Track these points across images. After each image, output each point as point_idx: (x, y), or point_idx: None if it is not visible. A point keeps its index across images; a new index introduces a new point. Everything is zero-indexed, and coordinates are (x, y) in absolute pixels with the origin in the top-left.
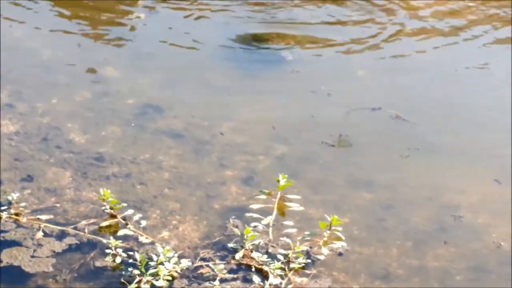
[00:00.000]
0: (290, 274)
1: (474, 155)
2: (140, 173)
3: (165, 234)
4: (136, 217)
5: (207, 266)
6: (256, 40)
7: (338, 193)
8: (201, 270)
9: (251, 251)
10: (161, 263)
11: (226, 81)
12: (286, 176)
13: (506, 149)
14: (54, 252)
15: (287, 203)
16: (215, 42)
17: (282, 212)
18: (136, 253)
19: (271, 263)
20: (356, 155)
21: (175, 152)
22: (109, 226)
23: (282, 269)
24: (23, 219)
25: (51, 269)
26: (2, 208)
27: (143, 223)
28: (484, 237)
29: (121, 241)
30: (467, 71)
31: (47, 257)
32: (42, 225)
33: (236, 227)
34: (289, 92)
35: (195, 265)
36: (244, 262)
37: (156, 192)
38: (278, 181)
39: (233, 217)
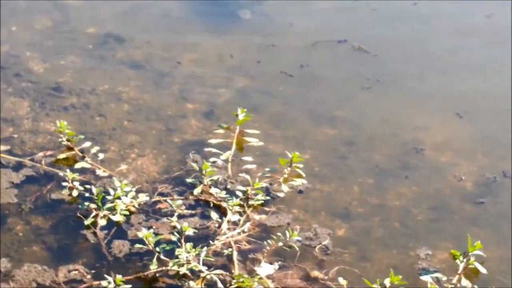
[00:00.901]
0: (249, 211)
1: (436, 90)
2: (99, 105)
3: (123, 167)
4: (93, 150)
5: (165, 201)
6: None
7: (300, 128)
8: (159, 206)
9: (210, 187)
10: (119, 198)
11: (188, 15)
12: (245, 110)
13: (467, 84)
14: (13, 183)
15: (246, 138)
16: None
17: (241, 147)
18: (93, 186)
19: (230, 200)
20: (318, 87)
21: (135, 84)
22: (66, 159)
23: (241, 205)
24: None
25: (15, 200)
26: None
27: (101, 156)
28: (447, 176)
29: (78, 174)
30: (433, 9)
31: (7, 188)
32: None
33: (196, 162)
34: (251, 24)
35: (153, 200)
36: (203, 198)
37: (115, 124)
38: (237, 115)
39: (192, 152)
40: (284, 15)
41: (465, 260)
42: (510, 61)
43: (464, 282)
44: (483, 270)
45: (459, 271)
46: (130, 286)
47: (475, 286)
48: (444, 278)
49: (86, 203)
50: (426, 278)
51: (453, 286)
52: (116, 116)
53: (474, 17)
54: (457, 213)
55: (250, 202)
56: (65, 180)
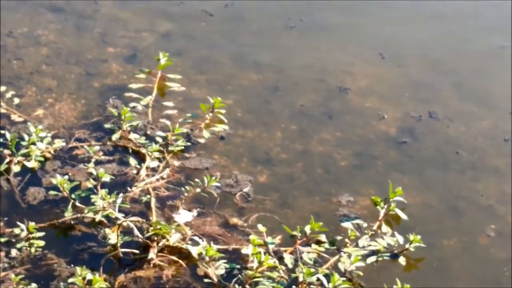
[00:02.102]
0: (168, 157)
1: (360, 32)
2: (16, 48)
3: (39, 112)
4: (8, 94)
5: (82, 147)
6: None
7: (223, 72)
8: (75, 152)
9: (129, 133)
10: (33, 143)
11: None
12: (167, 54)
13: (389, 26)
14: None
15: (168, 83)
16: None
17: (163, 93)
18: (7, 132)
19: (149, 146)
20: (241, 28)
21: (55, 27)
22: None
23: (160, 152)
24: None
25: None
26: None
27: (16, 100)
28: (371, 121)
29: None
30: None
31: None
32: None
33: (116, 107)
34: None
35: (70, 145)
36: (121, 144)
37: (32, 68)
38: (159, 59)
39: (113, 97)
40: None
41: (386, 206)
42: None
43: (385, 228)
44: (404, 216)
45: (380, 218)
46: (43, 233)
47: (395, 232)
48: (365, 225)
49: (0, 149)
50: (346, 224)
51: (373, 232)
52: (34, 59)
53: None
54: (380, 159)
55: (170, 148)
56: None
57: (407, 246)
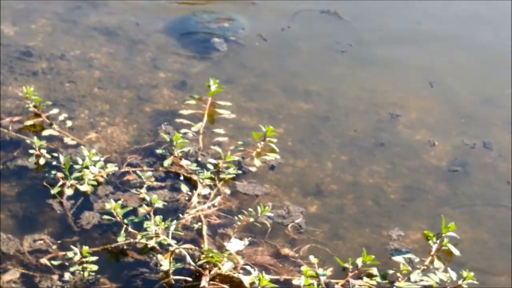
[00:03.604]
0: (219, 185)
1: (409, 63)
2: (69, 71)
3: (92, 135)
4: (61, 117)
5: (134, 172)
6: None
7: (274, 101)
8: (127, 177)
9: (180, 159)
10: (86, 167)
11: None
12: (218, 81)
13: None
14: None
15: (218, 110)
16: None
17: (213, 120)
18: (60, 155)
19: (201, 172)
20: (293, 56)
21: (107, 50)
22: (33, 125)
23: (212, 179)
24: None
25: None
26: None
27: (69, 123)
28: (422, 155)
29: (45, 141)
30: None
31: None
32: None
33: (168, 133)
34: None
35: (122, 170)
36: (173, 170)
37: (85, 91)
38: (209, 86)
39: (165, 123)
40: None
41: (438, 241)
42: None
43: (437, 263)
44: (456, 252)
45: (432, 253)
46: (96, 257)
47: (448, 268)
48: (417, 259)
49: (53, 172)
50: (398, 258)
51: (425, 267)
52: (87, 82)
53: None
54: (431, 193)
55: (221, 176)
56: (32, 148)
57: (459, 282)
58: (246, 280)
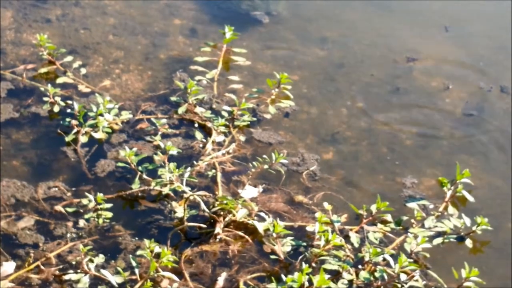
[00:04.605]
0: (234, 132)
1: (427, 9)
2: (84, 17)
3: (106, 83)
4: (76, 65)
5: (148, 120)
6: None
7: (289, 48)
8: (139, 125)
9: (195, 106)
10: (101, 114)
11: None
12: (233, 28)
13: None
14: None
15: (233, 57)
16: None
17: (228, 67)
18: (75, 102)
19: (215, 120)
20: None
21: None
22: (47, 73)
23: (226, 126)
24: None
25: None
26: None
27: (83, 70)
28: (437, 101)
29: (59, 89)
30: None
31: None
32: None
33: (182, 81)
34: None
35: (136, 118)
36: (187, 117)
37: (99, 38)
38: (224, 33)
39: (180, 70)
40: None
41: (452, 187)
42: None
43: (451, 210)
44: (471, 198)
45: (446, 199)
46: (111, 205)
47: (462, 214)
48: (431, 206)
49: (68, 119)
50: (412, 205)
51: (439, 213)
52: (102, 29)
53: None
54: (446, 139)
55: (236, 123)
56: (46, 95)
57: (474, 228)
58: (260, 226)
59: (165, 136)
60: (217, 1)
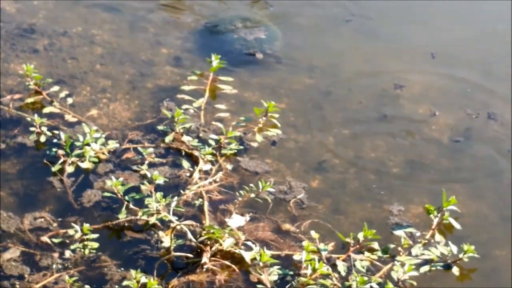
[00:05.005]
0: (221, 160)
1: (413, 38)
2: (71, 47)
3: (93, 112)
4: (62, 94)
5: (135, 149)
6: None
7: (276, 76)
8: (126, 155)
9: (182, 135)
10: (88, 144)
11: None
12: (219, 57)
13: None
14: None
15: (220, 85)
16: None
17: (214, 95)
18: (61, 132)
19: (202, 148)
20: (294, 30)
21: (110, 27)
22: (34, 103)
23: (213, 154)
24: None
25: None
26: None
27: (70, 100)
28: (424, 128)
29: (46, 119)
30: None
31: None
32: None
33: (170, 109)
34: None
35: (123, 147)
36: (174, 146)
37: (87, 68)
38: (211, 62)
39: (167, 99)
40: None
41: (439, 215)
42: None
43: (438, 237)
44: (457, 225)
45: (433, 226)
46: (97, 235)
47: (449, 242)
48: (418, 234)
49: (54, 149)
50: (399, 232)
51: (426, 241)
52: (89, 59)
53: None
54: (433, 167)
55: (223, 151)
56: (32, 125)
57: (460, 256)
58: (247, 256)
59: (152, 165)
60: (209, 41)
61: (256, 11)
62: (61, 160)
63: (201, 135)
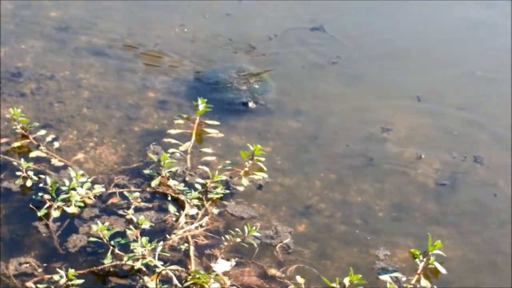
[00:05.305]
0: (207, 205)
1: (397, 79)
2: (58, 91)
3: (80, 156)
4: (49, 138)
5: (121, 193)
6: None
7: (263, 120)
8: (111, 200)
9: (168, 179)
10: (73, 189)
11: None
12: (206, 100)
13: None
14: None
15: (206, 129)
16: None
17: (201, 139)
18: (47, 176)
19: (188, 192)
20: (280, 74)
21: (97, 71)
22: (21, 147)
23: (199, 199)
24: None
25: None
26: None
27: (57, 144)
28: (410, 172)
29: (32, 163)
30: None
31: None
32: None
33: (156, 153)
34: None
35: (109, 191)
36: (160, 190)
37: (74, 111)
38: (197, 106)
39: (153, 143)
40: None
41: (424, 259)
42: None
43: (423, 282)
44: (443, 270)
45: (419, 271)
46: (82, 280)
47: (435, 287)
48: (404, 278)
49: (40, 194)
50: (385, 277)
51: (412, 286)
52: (76, 103)
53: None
54: (419, 211)
55: (209, 196)
56: (19, 170)
57: None
58: None
59: (138, 209)
60: (199, 90)
61: (249, 60)
62: (47, 205)
63: (187, 179)
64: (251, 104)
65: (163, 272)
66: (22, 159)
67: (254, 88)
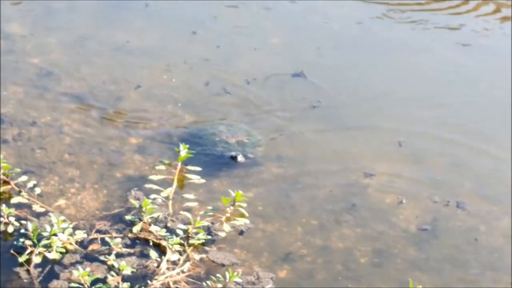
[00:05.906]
0: (189, 250)
1: (378, 123)
2: (40, 137)
3: (61, 202)
4: (30, 184)
5: (102, 239)
6: None
7: (243, 166)
8: (91, 247)
9: (150, 225)
10: (55, 234)
11: (133, 42)
12: (188, 146)
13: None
14: None
15: (188, 175)
16: None
17: (182, 185)
18: (29, 222)
19: (170, 238)
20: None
21: (78, 117)
22: (2, 193)
23: (181, 244)
24: None
25: None
26: None
27: (38, 190)
28: (391, 218)
29: (14, 209)
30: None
31: None
32: None
33: (138, 199)
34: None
35: (91, 237)
36: (142, 236)
37: (55, 157)
38: (179, 151)
39: (135, 188)
40: None
41: None
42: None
43: None
44: None
45: None
46: None
47: None
48: None
49: (22, 240)
50: None
51: None
52: (58, 149)
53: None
54: (401, 257)
55: (191, 241)
56: (0, 216)
57: None
58: None
59: (119, 255)
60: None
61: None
62: (28, 251)
63: (169, 224)
64: (240, 158)
65: None
66: (4, 205)
67: (244, 142)
